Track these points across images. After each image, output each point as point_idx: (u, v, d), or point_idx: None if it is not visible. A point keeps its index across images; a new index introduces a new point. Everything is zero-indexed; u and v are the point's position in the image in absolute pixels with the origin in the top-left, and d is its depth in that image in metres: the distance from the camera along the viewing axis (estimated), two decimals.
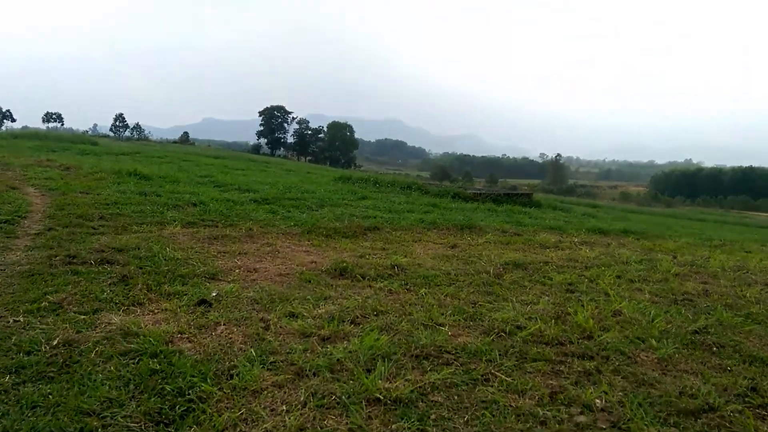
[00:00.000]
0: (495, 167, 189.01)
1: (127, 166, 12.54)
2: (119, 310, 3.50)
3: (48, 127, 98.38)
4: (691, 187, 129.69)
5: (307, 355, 2.91)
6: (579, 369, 3.08)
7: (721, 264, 7.33)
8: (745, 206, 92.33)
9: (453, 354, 3.14)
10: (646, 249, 8.67)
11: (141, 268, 4.43)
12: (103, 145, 33.14)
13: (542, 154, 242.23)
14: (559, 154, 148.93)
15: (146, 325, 3.23)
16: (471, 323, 3.84)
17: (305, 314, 3.65)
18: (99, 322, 3.25)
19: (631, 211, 37.35)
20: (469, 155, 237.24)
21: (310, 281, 4.58)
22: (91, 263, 4.51)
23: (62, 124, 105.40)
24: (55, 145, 26.85)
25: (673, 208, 79.55)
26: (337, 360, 2.83)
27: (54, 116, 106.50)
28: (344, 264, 5.15)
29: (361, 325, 3.52)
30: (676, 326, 4.15)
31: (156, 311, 3.55)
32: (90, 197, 8.29)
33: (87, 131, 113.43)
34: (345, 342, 3.16)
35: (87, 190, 9.09)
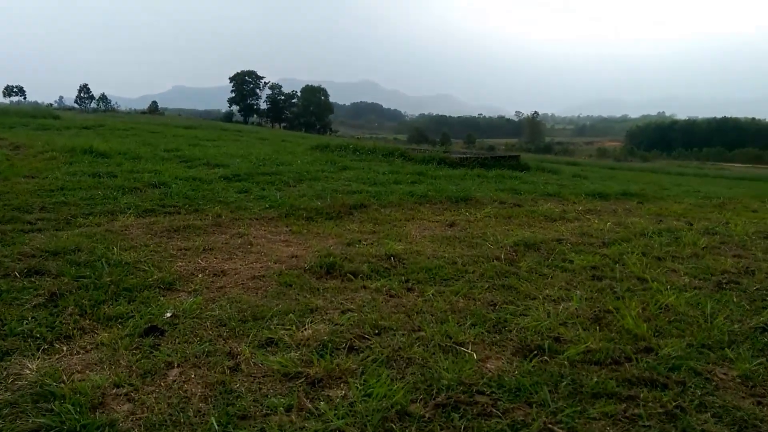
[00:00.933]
0: (472, 127, 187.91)
1: (83, 143, 11.37)
2: (38, 351, 2.62)
3: (10, 101, 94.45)
4: (666, 140, 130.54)
5: (293, 419, 2.08)
6: (657, 409, 2.31)
7: (744, 230, 6.66)
8: (720, 157, 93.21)
9: (488, 396, 2.34)
10: (654, 214, 8.00)
11: (77, 280, 3.52)
12: (65, 119, 31.40)
13: (518, 113, 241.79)
14: (536, 112, 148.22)
15: (71, 375, 2.36)
16: (497, 337, 3.05)
17: (287, 339, 2.82)
18: (6, 375, 2.37)
19: (612, 167, 36.97)
20: (445, 116, 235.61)
21: (291, 285, 3.73)
22: (16, 276, 3.58)
23: (24, 98, 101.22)
24: (12, 120, 25.16)
25: (650, 162, 79.88)
26: (336, 430, 2.01)
27: (15, 89, 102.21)
28: (331, 257, 4.31)
29: (361, 354, 2.69)
30: (737, 323, 3.42)
31: (88, 348, 2.67)
32: (34, 182, 7.25)
33: (51, 104, 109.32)
34: (342, 388, 2.33)
35: (33, 174, 8.02)
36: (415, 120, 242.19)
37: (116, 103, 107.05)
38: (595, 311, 3.50)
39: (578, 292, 3.85)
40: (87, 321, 2.96)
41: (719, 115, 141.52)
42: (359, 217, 6.39)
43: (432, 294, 3.67)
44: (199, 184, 7.80)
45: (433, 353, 2.74)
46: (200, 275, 3.84)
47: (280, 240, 5.08)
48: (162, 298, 3.36)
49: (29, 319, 2.94)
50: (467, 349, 2.83)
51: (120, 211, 5.69)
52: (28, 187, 6.90)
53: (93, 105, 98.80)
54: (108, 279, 3.54)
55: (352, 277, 4.00)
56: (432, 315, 3.30)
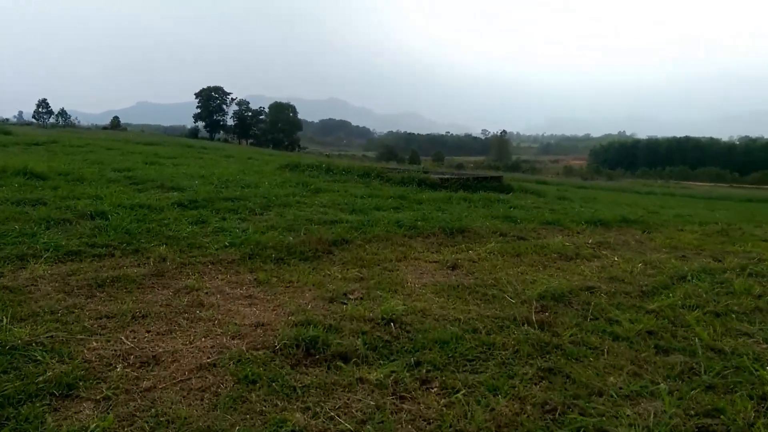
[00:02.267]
0: (439, 145, 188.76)
1: (17, 162, 9.93)
2: None
3: None
4: (630, 159, 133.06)
5: None
6: None
7: None
8: (683, 176, 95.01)
9: None
10: (671, 248, 7.10)
11: None
12: (17, 134, 29.40)
13: (484, 131, 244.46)
14: (504, 131, 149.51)
15: None
16: None
17: None
18: None
19: (584, 187, 36.56)
20: (413, 133, 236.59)
21: (255, 382, 2.55)
22: None
23: None
24: None
25: (616, 180, 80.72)
26: None
27: None
28: (311, 328, 3.15)
29: None
30: None
31: None
32: None
33: (7, 119, 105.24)
34: None
35: None
36: (384, 137, 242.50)
37: (76, 118, 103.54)
38: (695, 420, 2.42)
39: (662, 384, 2.76)
40: None
41: (680, 135, 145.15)
42: (341, 256, 5.23)
43: (462, 395, 2.53)
44: (147, 213, 6.51)
45: None
46: (120, 366, 2.62)
47: (241, 295, 3.88)
48: (50, 419, 2.14)
49: None
50: None
51: (34, 255, 4.39)
52: None
53: (52, 120, 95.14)
54: None
55: (341, 362, 2.84)
56: None
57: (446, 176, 14.37)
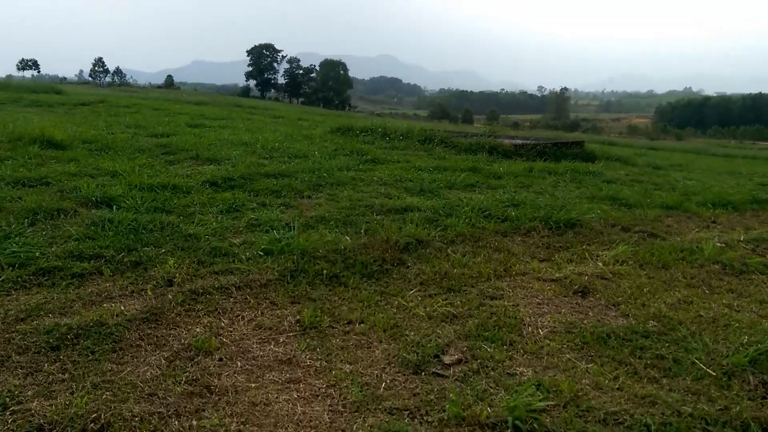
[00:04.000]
0: (493, 103, 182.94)
1: (37, 127, 8.78)
2: None
3: (24, 75, 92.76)
4: (698, 118, 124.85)
5: None
6: None
7: None
8: (758, 136, 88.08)
9: None
10: None
11: None
12: (67, 94, 29.04)
13: (540, 87, 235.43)
14: (565, 87, 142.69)
15: None
16: None
17: None
18: None
19: (651, 148, 33.49)
20: (466, 91, 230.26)
21: None
22: None
23: (38, 71, 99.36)
24: (5, 96, 22.76)
25: (685, 140, 75.51)
26: None
27: (30, 63, 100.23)
28: None
29: None
30: None
31: None
32: None
33: (64, 78, 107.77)
34: None
35: None
36: (436, 95, 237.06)
37: (131, 77, 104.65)
38: None
39: None
40: None
41: (752, 92, 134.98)
42: (418, 270, 3.72)
43: None
44: (168, 197, 5.16)
45: None
46: None
47: (275, 361, 2.44)
48: None
49: None
50: None
51: None
52: None
53: (108, 79, 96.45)
54: None
55: None
56: None
57: (519, 141, 12.55)
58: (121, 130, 11.21)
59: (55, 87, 34.68)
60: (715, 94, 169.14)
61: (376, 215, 5.05)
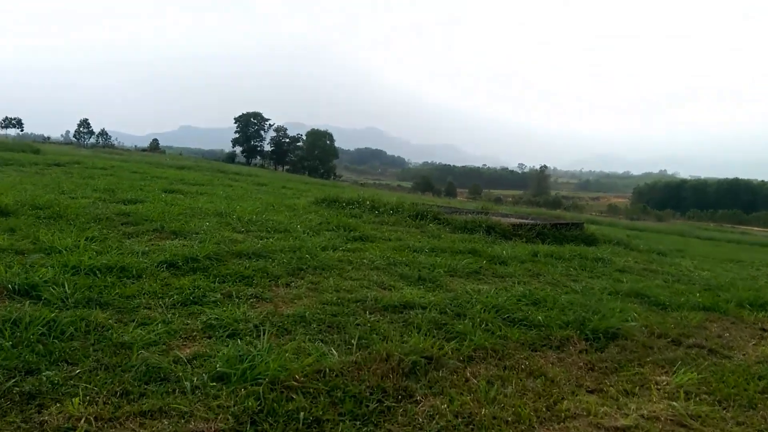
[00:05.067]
0: (476, 177, 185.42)
1: None
2: None
3: (7, 134, 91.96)
4: (676, 200, 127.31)
5: None
6: None
7: None
8: (737, 220, 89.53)
9: None
10: None
11: None
12: (45, 153, 28.14)
13: (521, 165, 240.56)
14: (544, 165, 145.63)
15: None
16: None
17: None
18: None
19: (634, 228, 33.15)
20: (449, 165, 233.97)
21: None
22: None
23: (22, 130, 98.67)
24: None
25: (666, 222, 76.29)
26: None
27: (14, 121, 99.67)
28: None
29: None
30: None
31: None
32: None
33: (48, 138, 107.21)
34: None
35: None
36: (420, 167, 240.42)
37: (116, 138, 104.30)
38: None
39: None
40: None
41: (723, 176, 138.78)
42: (430, 408, 2.69)
43: None
44: (109, 284, 4.11)
45: None
46: None
47: None
48: None
49: None
50: None
51: None
52: None
53: (92, 140, 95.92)
54: None
55: None
56: None
57: (516, 220, 11.76)
58: (87, 194, 10.21)
59: (33, 146, 33.68)
60: (689, 177, 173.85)
61: (370, 314, 4.04)
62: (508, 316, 4.28)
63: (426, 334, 3.60)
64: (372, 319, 3.93)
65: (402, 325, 3.82)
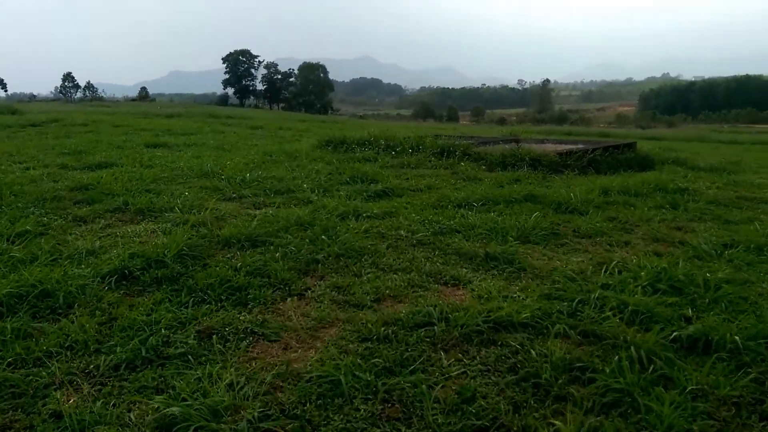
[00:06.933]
0: (476, 99, 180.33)
1: None
2: None
3: None
4: (684, 103, 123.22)
5: None
6: None
7: None
8: (751, 119, 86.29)
9: None
10: None
11: None
12: (23, 113, 26.16)
13: (520, 81, 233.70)
14: (546, 79, 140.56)
15: None
16: None
17: None
18: None
19: (653, 138, 31.09)
20: (447, 88, 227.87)
21: None
22: None
23: (5, 91, 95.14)
24: None
25: (678, 127, 73.48)
26: None
27: None
28: None
29: None
30: None
31: None
32: None
33: (34, 96, 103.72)
34: None
35: None
36: (417, 94, 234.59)
37: (104, 90, 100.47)
38: None
39: None
40: None
41: (730, 74, 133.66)
42: None
43: None
44: (3, 345, 2.45)
45: None
46: None
47: None
48: None
49: None
50: None
51: None
52: None
53: (79, 95, 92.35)
54: None
55: None
56: None
57: (564, 147, 9.91)
58: (48, 160, 8.40)
59: (11, 107, 31.41)
60: (693, 78, 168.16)
61: (447, 358, 2.36)
62: (673, 336, 2.58)
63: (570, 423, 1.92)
64: (455, 371, 2.25)
65: (518, 391, 2.14)
